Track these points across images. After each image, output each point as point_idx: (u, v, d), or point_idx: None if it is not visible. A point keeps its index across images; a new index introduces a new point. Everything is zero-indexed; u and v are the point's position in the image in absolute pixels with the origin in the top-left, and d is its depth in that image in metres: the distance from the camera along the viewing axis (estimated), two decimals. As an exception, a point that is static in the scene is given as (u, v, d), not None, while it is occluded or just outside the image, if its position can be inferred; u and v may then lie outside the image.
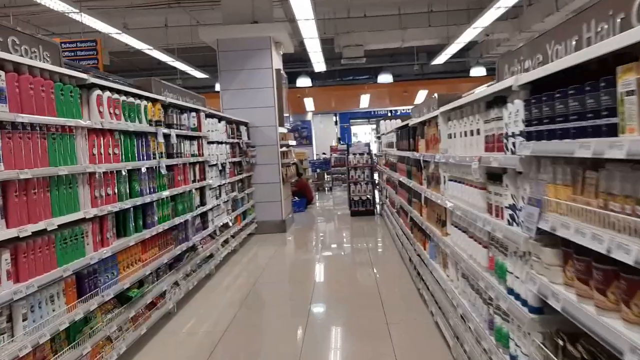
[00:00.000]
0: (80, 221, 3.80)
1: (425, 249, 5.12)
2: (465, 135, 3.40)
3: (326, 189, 20.04)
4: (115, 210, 4.28)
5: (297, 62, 19.38)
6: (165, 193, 5.51)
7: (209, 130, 7.59)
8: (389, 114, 21.45)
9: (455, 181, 3.62)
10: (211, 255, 7.40)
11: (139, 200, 4.79)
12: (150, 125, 5.30)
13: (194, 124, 6.85)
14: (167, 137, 5.79)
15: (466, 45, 15.11)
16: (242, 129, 10.18)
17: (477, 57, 18.11)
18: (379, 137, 12.39)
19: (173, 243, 5.80)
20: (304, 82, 18.58)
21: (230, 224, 8.49)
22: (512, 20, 13.82)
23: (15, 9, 11.78)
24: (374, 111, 25.84)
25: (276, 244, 9.82)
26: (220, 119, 8.58)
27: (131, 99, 4.85)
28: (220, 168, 7.98)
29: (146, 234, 4.94)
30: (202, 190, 7.07)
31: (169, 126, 5.92)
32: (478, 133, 3.12)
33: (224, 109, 10.79)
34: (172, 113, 6.03)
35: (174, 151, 6.00)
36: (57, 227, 3.42)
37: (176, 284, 5.87)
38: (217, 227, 7.76)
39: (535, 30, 12.13)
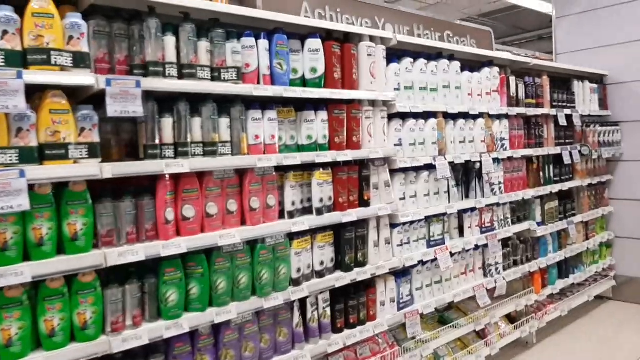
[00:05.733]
0: None
1: None
2: None
3: None
4: None
5: None
6: None
7: (400, 88, 3.19)
8: None
9: None
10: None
11: None
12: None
13: (315, 68, 2.71)
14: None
15: None
16: (579, 86, 4.90)
17: None
18: None
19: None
20: None
21: (483, 298, 3.72)
22: None
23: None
24: None
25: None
26: (471, 64, 3.88)
27: None
28: (453, 180, 3.41)
29: None
30: (341, 232, 2.85)
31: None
32: None
33: (558, 53, 5.64)
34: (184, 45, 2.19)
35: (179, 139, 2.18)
36: None
37: None
38: (423, 313, 3.31)
39: None
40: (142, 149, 2.15)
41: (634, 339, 4.32)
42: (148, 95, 2.14)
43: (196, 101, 2.30)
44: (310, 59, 2.69)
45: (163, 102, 2.21)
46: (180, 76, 2.23)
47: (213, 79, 2.33)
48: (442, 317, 3.64)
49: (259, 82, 2.49)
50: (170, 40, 2.19)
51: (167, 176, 2.19)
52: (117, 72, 2.12)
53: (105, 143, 2.16)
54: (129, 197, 2.10)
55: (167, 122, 2.19)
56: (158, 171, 2.12)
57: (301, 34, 2.72)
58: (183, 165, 2.18)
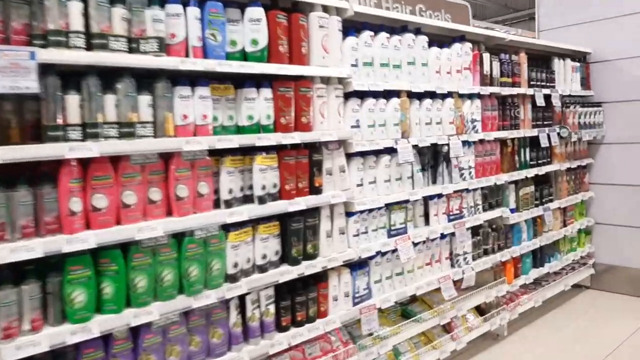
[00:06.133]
0: None
1: None
2: None
3: None
4: None
5: None
6: None
7: (358, 64, 2.91)
8: None
9: None
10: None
11: None
12: None
13: (256, 40, 2.42)
14: None
15: None
16: (559, 65, 4.65)
17: None
18: None
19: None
20: None
21: (448, 290, 3.50)
22: None
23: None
24: None
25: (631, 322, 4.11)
26: (442, 39, 3.61)
27: None
28: (418, 165, 3.17)
29: None
30: (287, 222, 2.60)
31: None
32: None
33: (541, 30, 5.37)
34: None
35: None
36: None
37: None
38: (374, 309, 3.09)
39: None
40: (43, 130, 1.87)
41: (612, 328, 4.15)
42: (49, 69, 1.85)
43: (113, 76, 2.03)
44: (251, 29, 2.40)
45: (71, 77, 1.93)
46: (90, 47, 1.94)
47: (131, 50, 2.05)
48: (405, 310, 3.43)
49: (187, 55, 2.21)
50: (75, 5, 1.90)
51: (74, 161, 1.92)
52: (12, 42, 1.83)
53: (4, 124, 1.88)
54: (24, 186, 1.83)
55: (73, 100, 1.91)
56: (59, 155, 1.85)
57: (241, 2, 2.42)
58: (91, 149, 1.91)
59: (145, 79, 2.11)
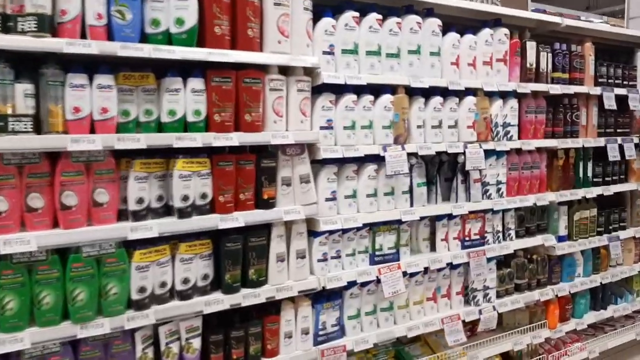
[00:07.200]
0: None
1: None
2: None
3: None
4: None
5: None
6: None
7: (335, 52, 2.37)
8: None
9: None
10: None
11: None
12: None
13: (181, 19, 1.99)
14: None
15: None
16: (645, 58, 3.71)
17: None
18: None
19: None
20: None
21: (454, 334, 2.82)
22: None
23: None
24: None
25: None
26: (471, 24, 2.92)
27: None
28: (421, 177, 2.56)
29: None
30: (221, 242, 2.15)
31: None
32: None
33: (631, 17, 4.40)
34: None
35: None
36: None
37: None
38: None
39: None
40: None
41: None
42: None
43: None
44: (176, 6, 1.98)
45: None
46: None
47: (7, 30, 1.72)
48: (399, 352, 2.83)
49: (84, 36, 1.84)
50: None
51: None
52: None
53: None
54: None
55: None
56: None
57: (167, -27, 2.01)
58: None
59: (27, 65, 1.78)
